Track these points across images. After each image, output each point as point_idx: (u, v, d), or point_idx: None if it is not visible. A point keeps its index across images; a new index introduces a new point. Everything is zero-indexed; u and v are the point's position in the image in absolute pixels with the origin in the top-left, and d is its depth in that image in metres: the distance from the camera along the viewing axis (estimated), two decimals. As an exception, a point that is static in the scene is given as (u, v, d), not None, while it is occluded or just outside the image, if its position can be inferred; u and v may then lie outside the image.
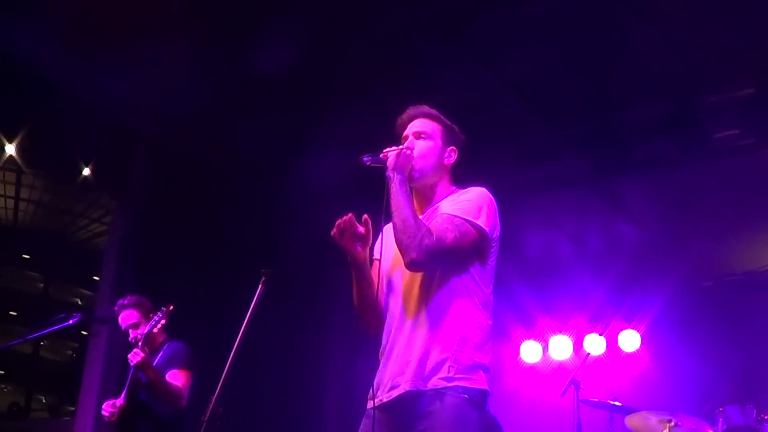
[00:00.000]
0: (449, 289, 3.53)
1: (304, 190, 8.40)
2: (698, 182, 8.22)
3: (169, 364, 5.83)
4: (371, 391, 3.59)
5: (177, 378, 5.76)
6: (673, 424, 6.82)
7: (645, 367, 9.04)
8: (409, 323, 3.55)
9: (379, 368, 3.63)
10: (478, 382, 3.50)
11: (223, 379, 4.41)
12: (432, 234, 3.42)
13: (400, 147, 3.65)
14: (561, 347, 9.40)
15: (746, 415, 6.91)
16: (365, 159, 3.61)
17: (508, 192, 8.29)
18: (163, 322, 5.83)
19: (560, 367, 9.39)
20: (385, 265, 3.74)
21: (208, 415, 4.31)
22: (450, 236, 3.45)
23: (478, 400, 3.48)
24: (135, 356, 5.57)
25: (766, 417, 6.83)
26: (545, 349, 9.52)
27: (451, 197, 3.70)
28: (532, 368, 9.66)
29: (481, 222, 3.53)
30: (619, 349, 9.12)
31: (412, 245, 3.40)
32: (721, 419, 6.98)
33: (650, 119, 7.82)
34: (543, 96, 7.75)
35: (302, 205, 8.69)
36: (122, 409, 5.68)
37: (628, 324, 9.08)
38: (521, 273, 9.18)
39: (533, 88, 7.69)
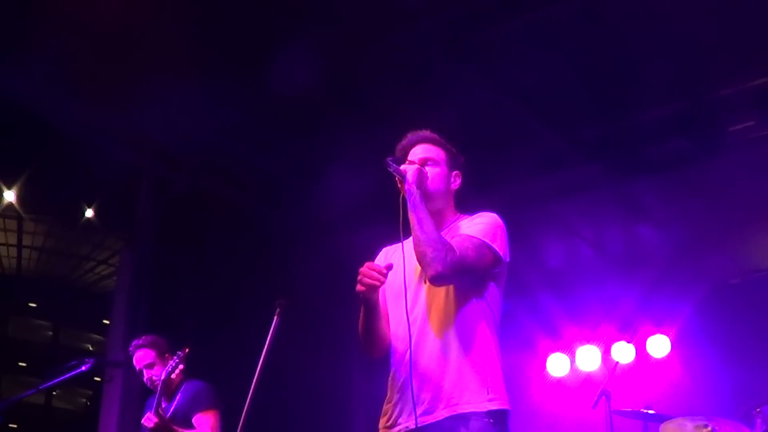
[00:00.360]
0: (472, 312, 3.55)
1: (316, 217, 8.32)
2: (716, 178, 8.07)
3: (194, 407, 5.66)
4: (391, 414, 3.58)
5: (204, 422, 5.60)
6: (710, 429, 6.61)
7: (676, 372, 8.82)
8: (436, 346, 3.53)
9: (398, 390, 3.57)
10: (501, 402, 3.51)
11: (244, 415, 4.37)
12: (455, 250, 3.42)
13: (417, 166, 3.66)
14: (589, 358, 9.19)
15: (786, 413, 6.72)
16: (390, 160, 3.61)
17: (526, 202, 8.45)
18: (181, 367, 5.70)
19: (588, 379, 9.17)
20: (400, 285, 3.64)
21: None
22: (471, 254, 3.47)
23: (501, 420, 3.49)
24: (148, 422, 5.41)
25: (807, 415, 6.65)
26: (572, 361, 9.33)
27: (464, 221, 3.71)
28: (559, 382, 9.46)
29: (496, 246, 3.56)
30: (648, 356, 8.90)
31: (437, 258, 3.38)
32: (759, 420, 6.77)
33: (662, 118, 7.75)
34: (552, 103, 7.67)
35: (315, 232, 8.62)
36: None
37: (657, 329, 8.87)
38: (545, 284, 9.13)
39: (542, 96, 7.62)
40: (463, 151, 3.93)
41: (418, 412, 3.45)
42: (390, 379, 3.64)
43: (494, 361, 3.54)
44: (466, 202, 3.89)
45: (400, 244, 3.67)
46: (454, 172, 3.83)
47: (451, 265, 3.38)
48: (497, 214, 3.70)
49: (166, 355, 5.77)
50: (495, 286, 3.64)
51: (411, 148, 3.82)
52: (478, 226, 3.61)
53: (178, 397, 5.77)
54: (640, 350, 8.93)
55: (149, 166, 7.86)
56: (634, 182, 8.30)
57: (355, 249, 8.60)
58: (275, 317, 4.53)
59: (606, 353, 9.11)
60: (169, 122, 7.31)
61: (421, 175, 3.62)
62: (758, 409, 6.80)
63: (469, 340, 3.51)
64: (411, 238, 3.55)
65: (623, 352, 8.84)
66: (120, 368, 6.50)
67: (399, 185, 3.62)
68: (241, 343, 5.32)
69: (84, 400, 27.07)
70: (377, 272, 3.46)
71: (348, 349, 8.94)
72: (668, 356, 8.84)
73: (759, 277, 8.73)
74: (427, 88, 7.39)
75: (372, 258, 3.80)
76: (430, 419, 3.46)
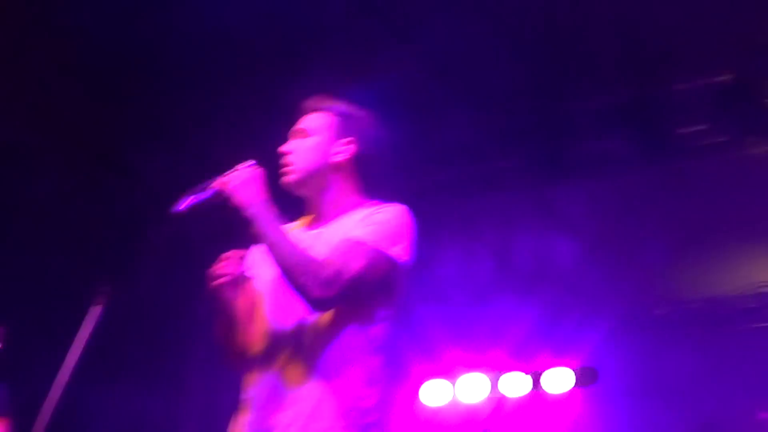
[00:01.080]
0: (347, 330, 3.01)
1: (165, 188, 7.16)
2: (654, 188, 7.44)
3: None
4: None
5: None
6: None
7: (578, 413, 7.97)
8: (298, 371, 2.99)
9: (254, 414, 3.02)
10: None
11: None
12: (331, 263, 2.90)
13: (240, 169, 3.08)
14: (473, 388, 8.19)
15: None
16: (181, 206, 3.07)
17: (419, 196, 7.43)
18: None
19: (472, 412, 8.23)
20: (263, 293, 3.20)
21: None
22: (355, 266, 2.93)
23: None
24: None
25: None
26: (454, 389, 8.31)
27: (359, 213, 3.13)
28: (437, 412, 8.40)
29: (394, 252, 3.02)
30: (545, 392, 8.02)
31: (309, 283, 2.88)
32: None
33: (599, 111, 7.16)
34: (468, 80, 6.93)
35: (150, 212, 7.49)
36: None
37: (559, 359, 8.00)
38: (428, 295, 7.92)
39: (456, 71, 6.86)
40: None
41: None
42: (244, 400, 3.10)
43: (370, 390, 3.00)
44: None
45: None
46: (344, 140, 3.22)
47: (327, 284, 2.87)
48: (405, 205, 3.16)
49: None
50: (388, 298, 3.08)
51: (300, 117, 3.30)
52: (373, 226, 3.04)
53: None
54: (536, 383, 8.07)
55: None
56: (554, 183, 7.57)
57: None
58: (97, 307, 3.69)
59: (495, 384, 8.18)
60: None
61: (243, 179, 3.00)
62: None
63: (338, 366, 2.99)
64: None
65: (515, 384, 7.99)
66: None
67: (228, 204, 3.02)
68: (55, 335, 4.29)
69: None
70: (227, 263, 3.10)
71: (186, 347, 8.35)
72: (569, 393, 7.98)
73: (691, 309, 7.91)
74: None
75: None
76: None
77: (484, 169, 7.53)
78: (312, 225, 3.24)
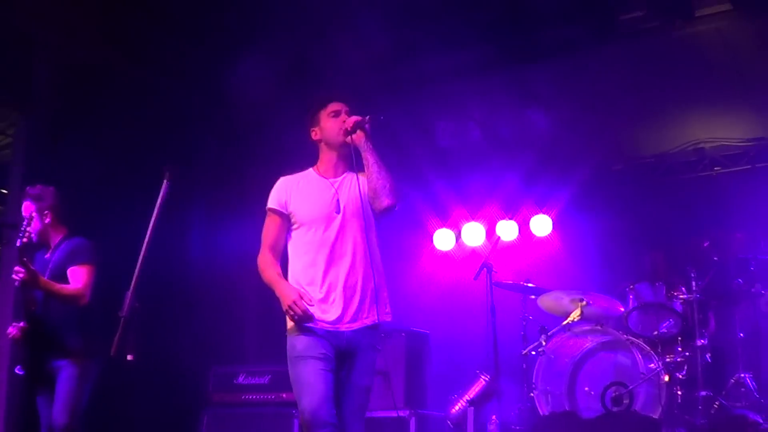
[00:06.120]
0: (378, 236, 4.50)
1: (219, 94, 8.30)
2: (607, 67, 8.25)
3: (69, 261, 5.68)
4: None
5: (77, 275, 5.63)
6: (585, 303, 7.02)
7: (557, 251, 9.19)
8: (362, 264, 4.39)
9: (327, 296, 4.34)
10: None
11: (136, 275, 4.37)
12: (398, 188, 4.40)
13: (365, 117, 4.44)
14: (474, 234, 9.47)
15: (656, 292, 7.15)
16: (370, 117, 4.43)
17: (416, 82, 8.54)
18: (47, 221, 5.74)
19: (474, 253, 9.47)
20: (322, 210, 4.43)
21: (125, 310, 4.26)
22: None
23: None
24: (16, 275, 5.41)
25: (675, 294, 7.08)
26: (458, 236, 9.58)
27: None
28: (446, 255, 9.71)
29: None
30: (531, 234, 9.25)
31: (395, 190, 4.33)
32: (631, 296, 7.22)
33: (556, 3, 7.70)
34: None
35: (218, 109, 8.61)
36: (24, 330, 5.60)
37: (540, 209, 9.20)
38: (434, 163, 9.25)
39: None
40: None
41: (349, 317, 4.34)
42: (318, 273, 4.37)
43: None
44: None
45: (302, 176, 4.54)
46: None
47: (399, 199, 4.36)
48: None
49: (45, 211, 5.75)
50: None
51: (334, 101, 4.55)
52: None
53: (56, 254, 5.77)
54: (523, 229, 9.26)
55: (43, 34, 7.64)
56: (525, 66, 8.38)
57: (256, 128, 8.88)
58: (164, 182, 4.54)
59: (491, 231, 9.37)
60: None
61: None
62: (632, 286, 7.26)
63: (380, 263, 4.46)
64: (312, 173, 4.53)
65: (507, 230, 9.16)
66: (16, 230, 5.92)
67: (355, 129, 4.40)
68: (136, 208, 5.21)
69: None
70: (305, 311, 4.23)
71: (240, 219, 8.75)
72: (550, 236, 9.20)
73: (640, 164, 9.05)
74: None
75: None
76: (358, 325, 4.37)
77: (467, 57, 8.28)
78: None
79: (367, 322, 4.36)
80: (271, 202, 4.51)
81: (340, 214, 4.39)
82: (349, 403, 4.25)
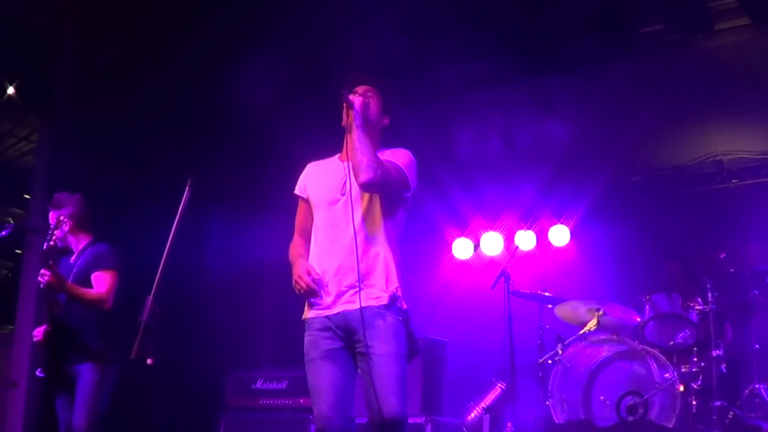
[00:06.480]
0: (390, 222, 4.36)
1: (237, 97, 8.33)
2: (626, 79, 8.28)
3: (93, 266, 5.74)
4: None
5: (102, 280, 5.69)
6: (601, 312, 7.07)
7: (574, 260, 9.23)
8: (369, 244, 4.31)
9: (331, 279, 4.29)
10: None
11: (157, 279, 4.34)
12: (383, 165, 4.20)
13: (363, 98, 4.36)
14: (492, 243, 9.52)
15: (672, 302, 7.17)
16: (344, 92, 4.35)
17: (435, 92, 8.61)
18: (66, 228, 5.75)
19: (492, 262, 9.51)
20: (334, 194, 4.40)
21: (146, 315, 4.22)
22: (393, 174, 4.26)
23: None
24: (42, 278, 5.46)
25: (691, 304, 7.10)
26: (477, 246, 9.59)
27: (387, 152, 4.40)
28: (464, 264, 9.77)
29: (410, 176, 4.33)
30: (549, 244, 9.30)
31: (371, 166, 4.15)
32: (647, 307, 7.24)
33: (576, 16, 7.84)
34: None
35: (236, 112, 8.65)
36: (48, 333, 5.62)
37: (558, 219, 9.24)
38: (453, 172, 9.30)
39: None
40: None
41: (348, 297, 4.26)
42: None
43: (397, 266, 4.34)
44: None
45: (325, 161, 4.54)
46: (385, 114, 4.53)
47: (381, 175, 4.16)
48: (409, 150, 4.41)
49: (64, 219, 5.75)
50: (404, 208, 4.43)
51: (359, 85, 4.48)
52: (398, 158, 4.35)
53: (81, 259, 5.83)
54: (542, 238, 9.30)
55: (66, 40, 7.74)
56: (545, 78, 8.47)
57: (273, 130, 8.85)
58: (186, 188, 4.54)
59: (509, 240, 9.41)
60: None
61: (365, 106, 4.34)
62: (648, 297, 7.28)
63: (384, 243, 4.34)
64: (335, 158, 4.47)
65: (525, 239, 9.16)
66: (39, 234, 6.32)
67: (345, 112, 4.35)
68: (157, 213, 5.27)
69: (6, 272, 26.51)
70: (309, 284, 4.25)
71: (261, 223, 8.93)
72: (567, 245, 9.24)
73: (658, 176, 9.08)
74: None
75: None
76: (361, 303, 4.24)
77: (486, 67, 8.35)
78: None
79: (356, 306, 4.20)
80: (296, 188, 4.58)
81: (344, 196, 4.34)
82: (377, 376, 4.10)
